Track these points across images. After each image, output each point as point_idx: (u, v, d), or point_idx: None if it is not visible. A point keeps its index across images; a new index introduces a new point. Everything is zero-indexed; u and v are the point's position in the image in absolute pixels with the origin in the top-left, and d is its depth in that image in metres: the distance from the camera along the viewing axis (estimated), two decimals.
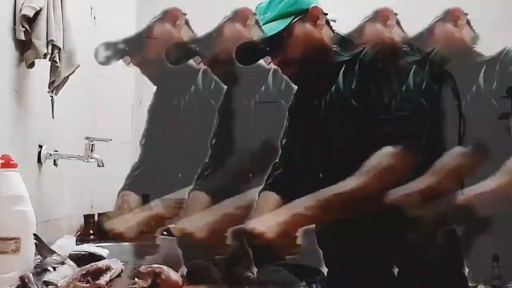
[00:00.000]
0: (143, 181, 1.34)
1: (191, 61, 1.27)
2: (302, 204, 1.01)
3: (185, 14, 1.37)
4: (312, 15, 1.20)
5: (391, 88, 1.06)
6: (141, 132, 2.98)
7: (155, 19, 1.15)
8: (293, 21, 1.17)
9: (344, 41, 1.22)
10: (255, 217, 1.23)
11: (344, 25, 1.39)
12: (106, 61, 1.21)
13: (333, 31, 1.26)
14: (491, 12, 3.07)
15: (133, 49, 1.41)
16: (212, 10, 3.16)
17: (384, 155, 1.01)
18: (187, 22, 1.21)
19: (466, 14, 1.21)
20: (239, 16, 1.19)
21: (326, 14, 1.26)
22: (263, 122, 1.42)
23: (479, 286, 2.53)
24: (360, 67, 1.12)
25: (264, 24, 1.20)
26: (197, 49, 1.22)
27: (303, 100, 1.30)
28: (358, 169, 1.01)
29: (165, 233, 1.07)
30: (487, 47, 3.01)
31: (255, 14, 1.24)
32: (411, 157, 1.00)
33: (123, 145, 2.59)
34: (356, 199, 1.00)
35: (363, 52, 1.14)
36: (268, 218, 1.03)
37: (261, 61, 1.28)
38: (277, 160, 1.39)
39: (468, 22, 1.20)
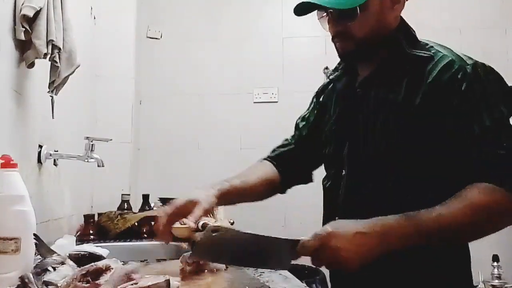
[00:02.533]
0: None
1: None
2: (399, 228, 0.89)
3: None
4: None
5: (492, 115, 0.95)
6: (141, 132, 3.00)
7: None
8: None
9: (409, 33, 1.12)
10: (245, 174, 1.20)
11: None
12: None
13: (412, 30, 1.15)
14: (491, 12, 3.08)
15: None
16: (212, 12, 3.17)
17: (488, 193, 0.91)
18: None
19: None
20: None
21: None
22: None
23: (479, 286, 2.54)
24: (431, 81, 1.00)
25: None
26: (331, 11, 1.05)
27: (344, 85, 1.19)
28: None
29: None
30: (487, 47, 3.03)
31: None
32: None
33: (123, 145, 2.59)
34: (453, 233, 0.93)
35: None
36: (356, 238, 0.88)
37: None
38: (288, 138, 1.32)
39: None
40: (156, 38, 3.14)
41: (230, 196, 1.12)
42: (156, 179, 2.93)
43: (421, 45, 1.09)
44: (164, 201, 2.56)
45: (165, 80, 3.10)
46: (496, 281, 2.53)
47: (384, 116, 1.03)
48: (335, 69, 1.24)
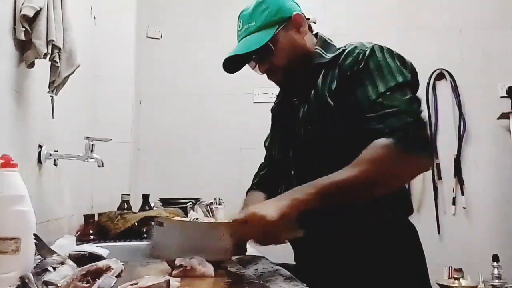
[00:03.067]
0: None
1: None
2: (303, 190, 1.05)
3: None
4: (295, 22, 1.24)
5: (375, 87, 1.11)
6: (141, 132, 3.00)
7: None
8: (278, 30, 1.21)
9: (326, 43, 1.27)
10: None
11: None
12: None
13: (315, 35, 1.31)
14: (491, 12, 3.08)
15: None
16: (210, 13, 3.17)
17: (377, 147, 1.04)
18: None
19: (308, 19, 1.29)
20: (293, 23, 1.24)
21: (308, 18, 1.29)
22: None
23: (479, 286, 2.54)
24: (339, 69, 1.17)
25: (249, 34, 1.22)
26: (253, 56, 1.26)
27: (285, 101, 1.35)
28: (352, 160, 1.06)
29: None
30: (487, 47, 3.03)
31: (239, 22, 1.27)
32: (401, 150, 1.03)
33: (123, 145, 2.59)
34: (349, 188, 1.04)
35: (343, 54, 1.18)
36: (270, 203, 1.07)
37: None
38: (263, 161, 1.48)
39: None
40: (156, 38, 3.14)
41: None
42: (156, 179, 2.93)
43: (337, 48, 1.24)
44: (164, 201, 2.57)
45: (165, 80, 3.10)
46: (496, 281, 2.53)
47: (314, 111, 1.18)
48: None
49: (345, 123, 1.13)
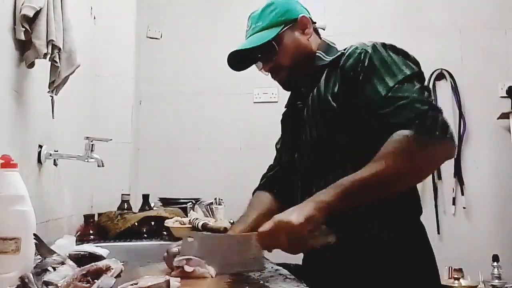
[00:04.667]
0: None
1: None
2: (327, 192, 1.01)
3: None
4: (301, 23, 1.26)
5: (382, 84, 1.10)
6: (141, 132, 3.00)
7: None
8: (283, 30, 1.24)
9: (327, 47, 1.28)
10: (246, 214, 1.30)
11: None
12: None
13: (320, 38, 1.32)
14: (491, 12, 3.08)
15: None
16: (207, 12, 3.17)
17: (397, 140, 1.01)
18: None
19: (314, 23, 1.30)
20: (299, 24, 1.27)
21: (315, 22, 1.32)
22: None
23: (479, 286, 2.54)
24: (341, 70, 1.17)
25: (256, 33, 1.26)
26: (259, 55, 1.29)
27: (292, 104, 1.36)
28: (373, 155, 1.02)
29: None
30: (487, 47, 3.03)
31: (249, 22, 1.31)
32: (422, 139, 1.00)
33: (123, 145, 2.59)
34: (375, 184, 1.01)
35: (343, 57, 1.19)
36: (294, 209, 1.02)
37: None
38: (272, 162, 1.47)
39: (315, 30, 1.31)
40: (156, 38, 3.14)
41: None
42: (156, 179, 2.93)
43: (338, 50, 1.25)
44: (164, 201, 2.57)
45: (165, 80, 3.10)
46: (496, 281, 2.53)
47: (317, 114, 1.19)
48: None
49: (350, 125, 1.13)
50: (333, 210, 0.99)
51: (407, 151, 1.00)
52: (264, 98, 2.99)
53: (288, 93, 1.41)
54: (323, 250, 1.03)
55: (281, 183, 1.36)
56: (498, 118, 2.89)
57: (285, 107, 1.44)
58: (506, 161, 2.91)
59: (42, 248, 0.98)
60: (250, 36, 1.28)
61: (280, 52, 1.24)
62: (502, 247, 2.73)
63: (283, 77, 1.29)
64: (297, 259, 1.25)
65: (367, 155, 1.03)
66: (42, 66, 1.48)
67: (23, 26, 1.30)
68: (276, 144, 1.47)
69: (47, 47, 1.34)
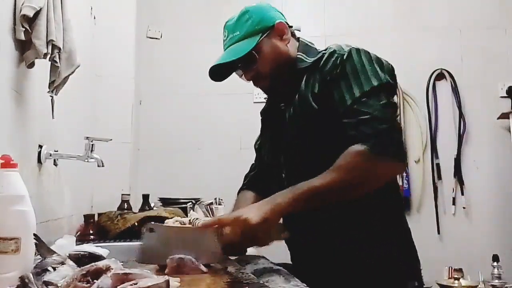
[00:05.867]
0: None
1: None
2: (283, 196, 1.10)
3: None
4: (278, 30, 1.27)
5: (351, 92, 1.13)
6: (141, 132, 3.00)
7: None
8: (261, 38, 1.24)
9: (307, 47, 1.29)
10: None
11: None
12: None
13: (298, 40, 1.33)
14: (491, 12, 3.08)
15: None
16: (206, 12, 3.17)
17: (352, 153, 1.08)
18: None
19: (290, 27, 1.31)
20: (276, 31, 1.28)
21: (291, 26, 1.31)
22: None
23: (479, 286, 2.54)
24: (320, 73, 1.19)
25: (234, 43, 1.27)
26: (239, 64, 1.31)
27: (273, 105, 1.39)
28: (328, 167, 1.10)
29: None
30: (487, 47, 3.03)
31: (225, 32, 1.33)
32: (374, 156, 1.07)
33: (123, 145, 2.59)
34: (326, 194, 1.08)
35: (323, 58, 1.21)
36: (254, 207, 1.12)
37: None
38: (253, 162, 1.52)
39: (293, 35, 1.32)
40: (156, 38, 3.14)
41: None
42: (156, 179, 2.93)
43: (318, 51, 1.26)
44: (164, 201, 2.57)
45: (165, 80, 3.10)
46: (496, 281, 2.52)
47: (299, 115, 1.21)
48: None
49: (330, 125, 1.16)
50: (286, 213, 1.10)
51: (358, 167, 1.07)
52: (264, 98, 2.98)
53: None
54: (309, 249, 1.15)
55: (264, 182, 1.39)
56: (498, 118, 2.89)
57: (264, 106, 1.48)
58: (506, 161, 2.91)
59: (42, 248, 0.98)
60: (228, 46, 1.28)
61: (260, 61, 1.25)
62: (502, 247, 2.73)
63: (265, 84, 1.30)
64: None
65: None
66: (42, 66, 1.48)
67: (23, 26, 1.30)
68: (255, 144, 1.51)
69: (47, 47, 1.34)
